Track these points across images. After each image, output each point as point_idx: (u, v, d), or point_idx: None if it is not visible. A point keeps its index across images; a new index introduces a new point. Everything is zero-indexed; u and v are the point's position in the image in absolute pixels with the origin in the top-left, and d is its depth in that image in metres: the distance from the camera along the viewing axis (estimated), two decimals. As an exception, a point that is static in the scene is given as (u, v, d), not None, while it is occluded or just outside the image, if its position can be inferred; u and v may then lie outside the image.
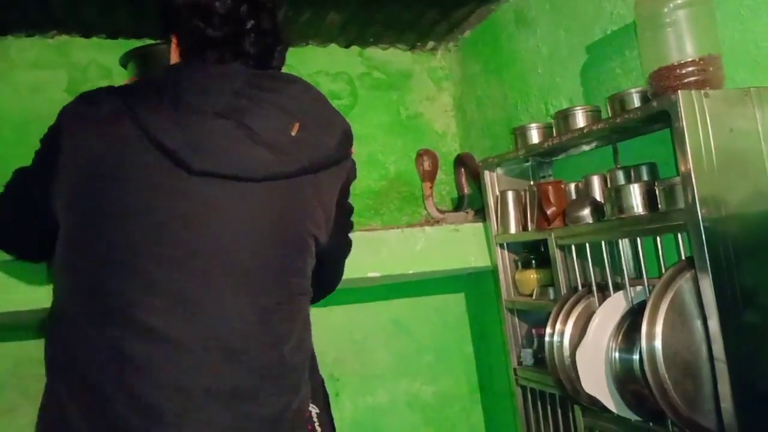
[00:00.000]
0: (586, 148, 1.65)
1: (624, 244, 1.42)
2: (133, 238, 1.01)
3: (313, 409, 1.16)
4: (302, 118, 1.10)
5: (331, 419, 1.26)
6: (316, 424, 1.17)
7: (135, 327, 0.99)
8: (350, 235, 1.38)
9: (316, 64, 2.32)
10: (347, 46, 2.37)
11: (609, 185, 1.50)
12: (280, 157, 1.06)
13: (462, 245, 1.90)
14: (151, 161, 1.01)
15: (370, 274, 1.78)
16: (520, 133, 1.74)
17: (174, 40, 1.18)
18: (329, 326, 2.20)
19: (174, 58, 1.18)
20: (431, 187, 2.37)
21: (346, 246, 1.38)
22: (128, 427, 0.97)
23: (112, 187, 1.02)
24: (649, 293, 1.28)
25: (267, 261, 1.07)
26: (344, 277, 1.76)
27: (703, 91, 1.18)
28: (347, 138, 1.18)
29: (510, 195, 1.79)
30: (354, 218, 2.22)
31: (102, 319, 1.00)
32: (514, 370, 1.79)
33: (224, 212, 1.04)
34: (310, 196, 1.12)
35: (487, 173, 1.86)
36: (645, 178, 1.46)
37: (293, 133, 1.07)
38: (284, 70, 2.21)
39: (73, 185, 1.03)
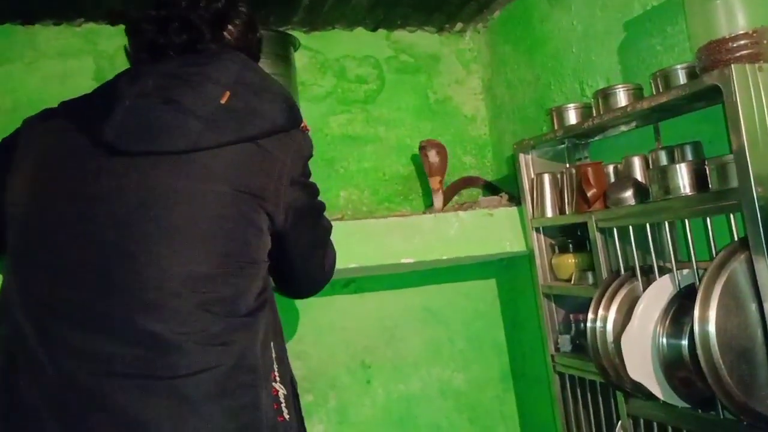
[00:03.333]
0: (624, 128, 1.60)
1: (667, 226, 1.37)
2: (63, 224, 1.05)
3: (281, 389, 1.13)
4: (233, 87, 1.10)
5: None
6: (283, 404, 1.12)
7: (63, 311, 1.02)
8: (327, 227, 1.31)
9: (342, 48, 2.28)
10: (374, 30, 2.32)
11: (652, 166, 1.46)
12: (211, 126, 1.06)
13: (496, 230, 1.86)
14: (85, 150, 1.07)
15: (404, 260, 1.76)
16: (557, 113, 1.69)
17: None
18: (360, 313, 2.17)
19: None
20: (441, 182, 2.13)
21: (316, 231, 1.27)
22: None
23: (53, 176, 1.09)
24: (698, 276, 1.24)
25: (208, 229, 1.06)
26: (378, 263, 1.75)
27: (757, 65, 1.13)
28: (289, 106, 1.17)
29: (546, 178, 1.75)
30: (383, 204, 2.22)
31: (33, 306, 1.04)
32: (552, 356, 1.76)
33: (156, 187, 1.04)
34: (255, 163, 1.10)
35: (521, 156, 1.82)
36: (689, 157, 1.41)
37: (223, 101, 1.08)
38: (311, 54, 2.22)
39: (22, 177, 1.10)
